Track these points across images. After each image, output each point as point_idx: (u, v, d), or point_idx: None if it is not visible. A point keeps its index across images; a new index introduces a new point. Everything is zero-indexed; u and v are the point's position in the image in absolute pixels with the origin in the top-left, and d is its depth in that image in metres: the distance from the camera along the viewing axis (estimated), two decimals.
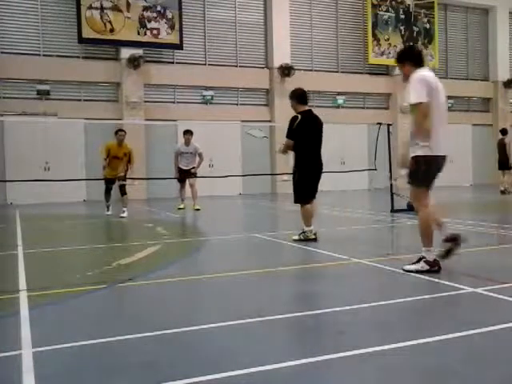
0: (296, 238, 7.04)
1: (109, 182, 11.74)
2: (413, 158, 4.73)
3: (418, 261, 4.87)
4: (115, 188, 11.76)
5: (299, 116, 6.94)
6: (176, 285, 4.67)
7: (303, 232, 7.04)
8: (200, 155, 12.87)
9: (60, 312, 3.87)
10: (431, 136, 4.59)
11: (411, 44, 5.30)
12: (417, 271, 4.76)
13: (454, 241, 4.78)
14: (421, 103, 4.53)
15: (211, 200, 17.38)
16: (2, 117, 16.04)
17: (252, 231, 8.38)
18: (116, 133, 11.66)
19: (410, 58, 4.88)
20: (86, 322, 3.57)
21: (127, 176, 11.55)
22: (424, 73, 4.70)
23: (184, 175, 12.83)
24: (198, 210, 12.42)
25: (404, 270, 4.86)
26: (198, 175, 12.95)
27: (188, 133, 13.00)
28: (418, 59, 4.87)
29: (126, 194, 11.60)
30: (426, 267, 4.77)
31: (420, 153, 4.66)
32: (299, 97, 7.11)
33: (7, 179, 16.73)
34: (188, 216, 11.70)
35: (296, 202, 7.15)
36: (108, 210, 11.94)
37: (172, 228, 9.57)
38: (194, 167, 12.84)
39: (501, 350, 2.86)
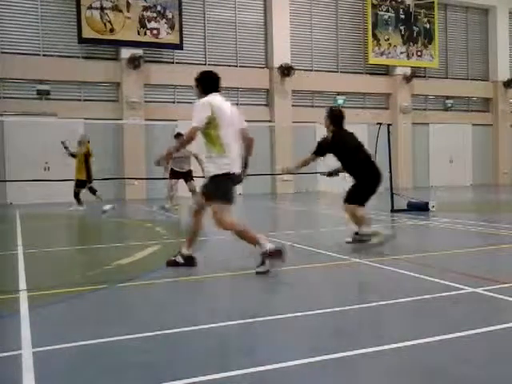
0: (349, 240, 6.64)
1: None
2: (213, 176, 4.93)
3: (263, 259, 4.83)
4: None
5: (333, 134, 6.77)
6: (176, 285, 4.67)
7: (358, 233, 6.54)
8: (196, 157, 11.77)
9: (60, 312, 3.87)
10: (228, 155, 4.91)
11: (209, 71, 5.36)
12: (267, 271, 4.78)
13: (275, 255, 4.78)
14: (195, 127, 4.84)
15: None
16: (2, 117, 16.04)
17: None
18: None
19: (201, 83, 5.19)
20: (86, 322, 3.57)
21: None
22: (208, 98, 4.95)
23: (180, 176, 12.40)
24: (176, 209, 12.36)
25: (257, 272, 4.80)
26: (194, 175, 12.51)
27: (180, 136, 12.84)
28: (209, 85, 5.13)
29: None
30: (274, 257, 4.80)
31: (219, 171, 4.90)
32: (334, 118, 6.84)
33: (7, 179, 16.72)
34: (187, 216, 11.68)
35: (346, 201, 6.65)
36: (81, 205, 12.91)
37: (171, 228, 9.58)
38: (190, 170, 12.40)
39: (500, 350, 2.86)
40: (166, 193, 12.82)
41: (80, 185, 12.83)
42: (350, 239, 6.69)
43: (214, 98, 4.98)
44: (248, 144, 5.36)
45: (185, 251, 5.30)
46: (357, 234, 6.59)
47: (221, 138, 4.90)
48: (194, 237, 5.33)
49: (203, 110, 4.86)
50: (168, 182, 12.61)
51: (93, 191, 12.91)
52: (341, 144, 6.73)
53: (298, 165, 7.06)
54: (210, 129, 4.89)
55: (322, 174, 7.46)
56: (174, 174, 12.46)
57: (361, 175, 6.63)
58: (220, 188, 4.92)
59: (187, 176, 12.48)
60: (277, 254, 4.73)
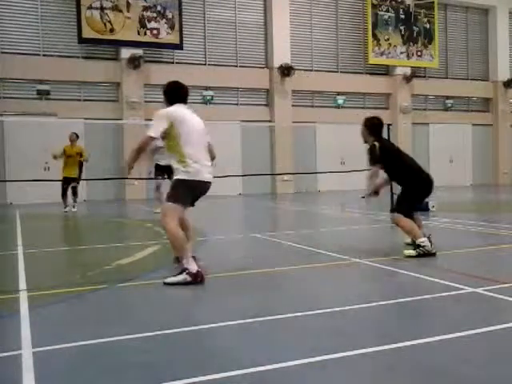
0: (413, 253, 5.74)
1: (65, 182, 12.72)
2: (175, 179, 5.05)
3: (181, 272, 4.62)
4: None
5: (376, 144, 6.23)
6: (176, 285, 4.66)
7: (419, 246, 5.76)
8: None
9: (60, 312, 3.87)
10: (189, 161, 4.97)
11: (175, 82, 5.30)
12: (178, 283, 4.53)
13: (193, 278, 4.60)
14: (150, 137, 4.88)
15: (211, 200, 17.38)
16: (2, 117, 16.03)
17: (252, 231, 8.38)
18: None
19: (167, 94, 5.20)
20: (86, 322, 3.57)
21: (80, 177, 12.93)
22: (169, 109, 5.00)
23: (163, 171, 10.85)
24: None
25: (165, 283, 4.57)
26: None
27: None
28: (174, 96, 5.14)
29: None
30: (189, 279, 4.57)
31: (180, 177, 4.99)
32: (373, 128, 6.43)
33: (7, 179, 16.72)
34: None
35: (396, 211, 6.13)
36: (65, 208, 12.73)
37: None
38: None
39: (500, 350, 2.86)
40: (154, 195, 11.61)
41: (67, 182, 12.63)
42: (413, 252, 5.80)
43: (176, 110, 5.02)
44: (212, 156, 5.53)
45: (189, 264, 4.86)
46: (419, 246, 5.79)
47: (182, 148, 4.95)
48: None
49: (161, 122, 4.90)
50: (154, 182, 11.54)
51: (75, 193, 12.86)
52: (390, 153, 6.26)
53: (377, 186, 6.41)
54: (170, 139, 4.97)
55: (363, 196, 6.77)
56: (160, 170, 10.94)
57: (411, 182, 6.07)
58: (177, 191, 5.00)
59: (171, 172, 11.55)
60: (195, 277, 4.60)
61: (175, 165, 5.02)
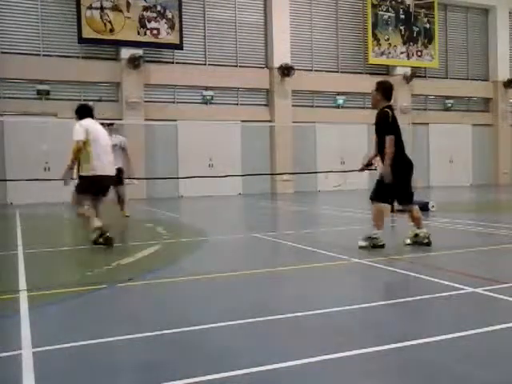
0: (363, 244, 6.19)
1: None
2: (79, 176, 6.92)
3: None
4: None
5: (389, 111, 6.16)
6: (176, 285, 4.67)
7: (371, 238, 6.20)
8: (125, 150, 10.70)
9: (60, 312, 3.87)
10: (93, 161, 6.79)
11: (84, 105, 7.12)
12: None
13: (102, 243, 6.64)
14: (79, 140, 6.73)
15: (211, 200, 17.39)
16: (2, 117, 16.04)
17: (252, 231, 8.38)
18: None
19: (78, 113, 7.12)
20: (86, 322, 3.57)
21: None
22: (82, 122, 6.91)
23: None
24: (128, 216, 10.87)
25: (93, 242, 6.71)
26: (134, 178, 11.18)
27: (110, 124, 10.76)
28: (84, 114, 7.09)
29: None
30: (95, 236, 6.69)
31: (84, 173, 6.85)
32: (387, 91, 6.30)
33: (7, 179, 16.72)
34: (187, 216, 11.71)
35: (405, 202, 6.35)
36: None
37: (172, 228, 9.57)
38: (120, 168, 10.32)
39: (501, 349, 2.86)
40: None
41: None
42: (408, 241, 6.35)
43: (87, 122, 6.93)
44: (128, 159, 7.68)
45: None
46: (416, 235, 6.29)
47: (90, 151, 6.77)
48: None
49: (80, 130, 6.77)
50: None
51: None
52: (395, 125, 6.18)
53: (370, 158, 6.62)
54: (84, 145, 6.77)
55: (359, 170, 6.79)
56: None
57: (397, 159, 6.14)
58: (81, 184, 6.92)
59: (119, 176, 10.15)
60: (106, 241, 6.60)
61: (82, 164, 6.88)
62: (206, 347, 2.94)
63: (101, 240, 6.65)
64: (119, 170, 10.10)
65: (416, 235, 6.35)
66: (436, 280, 4.47)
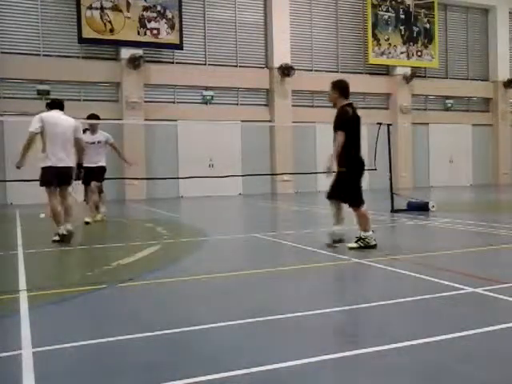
0: (354, 245, 6.22)
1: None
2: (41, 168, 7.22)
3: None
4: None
5: (349, 108, 6.33)
6: (176, 285, 4.67)
7: (362, 239, 6.23)
8: (113, 145, 10.05)
9: (60, 312, 3.87)
10: (48, 153, 7.10)
11: (54, 100, 8.03)
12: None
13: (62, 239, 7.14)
14: (31, 132, 7.06)
15: (211, 200, 17.39)
16: (2, 117, 16.03)
17: (252, 231, 8.38)
18: None
19: (47, 106, 7.65)
20: (86, 322, 3.58)
21: None
22: (42, 114, 7.25)
23: (91, 176, 9.53)
24: (88, 223, 9.62)
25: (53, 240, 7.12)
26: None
27: (93, 117, 9.91)
28: (51, 106, 7.54)
29: None
30: (57, 238, 7.15)
31: (41, 164, 7.21)
32: (343, 89, 6.48)
33: (7, 179, 16.72)
34: (188, 216, 11.70)
35: (354, 205, 6.35)
36: None
37: (172, 228, 9.57)
38: (103, 167, 9.83)
39: (501, 349, 2.86)
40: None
41: None
42: (354, 245, 6.31)
43: (48, 114, 7.24)
44: (78, 149, 7.50)
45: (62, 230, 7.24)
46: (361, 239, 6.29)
47: (45, 142, 7.02)
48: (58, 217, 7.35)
49: (36, 122, 7.04)
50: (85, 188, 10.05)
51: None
52: (354, 123, 6.29)
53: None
54: (41, 136, 7.05)
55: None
56: (85, 173, 8.98)
57: (351, 160, 6.22)
58: (41, 176, 7.27)
59: (98, 175, 9.74)
60: (64, 238, 7.09)
61: (41, 157, 7.24)
62: (206, 347, 2.94)
63: (56, 238, 7.24)
64: (102, 168, 9.83)
65: (360, 238, 6.25)
66: (436, 280, 4.47)
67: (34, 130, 7.03)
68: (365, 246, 6.17)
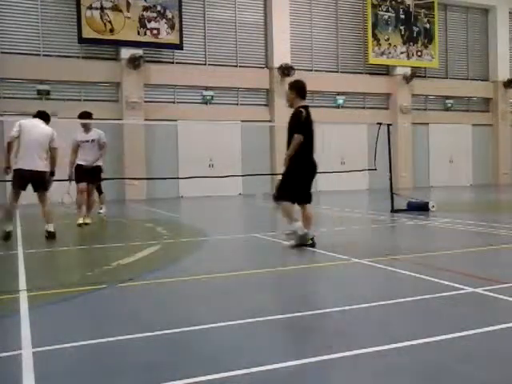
0: (287, 243, 6.42)
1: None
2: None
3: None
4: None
5: (303, 110, 6.35)
6: (176, 285, 4.67)
7: (295, 232, 6.34)
8: (103, 145, 9.47)
9: (60, 312, 3.87)
10: (18, 156, 7.49)
11: (40, 111, 8.15)
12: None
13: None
14: (10, 136, 7.54)
15: (211, 200, 17.39)
16: (2, 117, 16.02)
17: (252, 231, 8.38)
18: None
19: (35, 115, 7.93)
20: (86, 322, 3.58)
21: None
22: (22, 120, 7.75)
23: (86, 175, 9.24)
24: (84, 224, 9.32)
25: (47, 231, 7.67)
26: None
27: (85, 114, 9.37)
28: (35, 115, 7.91)
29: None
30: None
31: (13, 167, 7.53)
32: (300, 90, 6.51)
33: (7, 179, 16.71)
34: (188, 216, 11.70)
35: (278, 199, 6.43)
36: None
37: (172, 228, 9.57)
38: (99, 166, 9.47)
39: (501, 349, 2.86)
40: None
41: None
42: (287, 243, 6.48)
43: (26, 121, 7.72)
44: (51, 157, 7.72)
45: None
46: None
47: (19, 146, 7.46)
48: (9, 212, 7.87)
49: (15, 127, 7.53)
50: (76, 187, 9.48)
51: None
52: (308, 125, 6.39)
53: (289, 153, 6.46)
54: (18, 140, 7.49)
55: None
56: (79, 171, 9.13)
57: (302, 160, 6.28)
58: (12, 178, 7.59)
59: (94, 175, 9.39)
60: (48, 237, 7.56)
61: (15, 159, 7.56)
62: (206, 347, 2.94)
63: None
64: (98, 168, 9.49)
65: (299, 236, 6.35)
66: (436, 280, 4.46)
67: (13, 134, 7.52)
68: (301, 243, 6.30)
